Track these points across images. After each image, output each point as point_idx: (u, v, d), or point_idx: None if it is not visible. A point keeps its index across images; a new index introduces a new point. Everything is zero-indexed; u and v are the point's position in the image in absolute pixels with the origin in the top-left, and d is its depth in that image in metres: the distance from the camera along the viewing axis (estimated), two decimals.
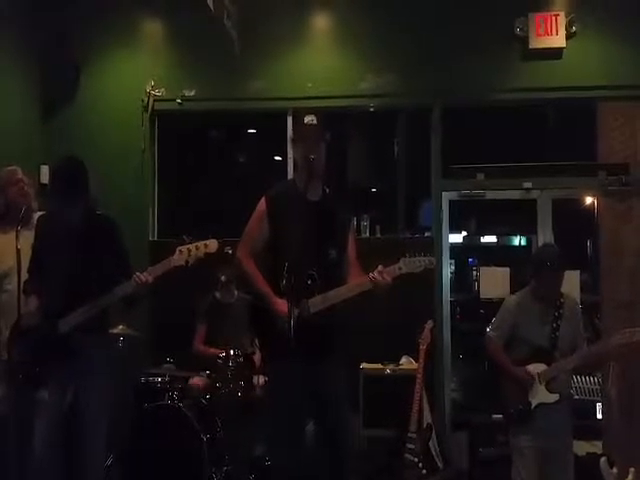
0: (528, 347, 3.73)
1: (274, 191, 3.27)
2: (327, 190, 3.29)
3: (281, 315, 2.99)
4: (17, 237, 3.53)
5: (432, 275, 5.28)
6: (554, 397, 3.65)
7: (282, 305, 3.02)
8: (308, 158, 3.10)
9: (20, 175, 3.95)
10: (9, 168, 4.02)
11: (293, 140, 3.33)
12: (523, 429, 3.68)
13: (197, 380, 4.60)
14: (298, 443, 3.18)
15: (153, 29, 5.69)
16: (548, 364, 3.67)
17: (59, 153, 3.85)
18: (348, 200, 3.44)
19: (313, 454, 3.24)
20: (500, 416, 3.93)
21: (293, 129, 3.38)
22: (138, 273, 3.25)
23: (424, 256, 3.11)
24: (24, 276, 3.40)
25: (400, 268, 3.09)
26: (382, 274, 3.06)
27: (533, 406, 3.66)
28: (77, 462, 3.27)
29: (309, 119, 3.20)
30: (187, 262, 3.22)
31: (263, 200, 3.23)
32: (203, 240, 3.27)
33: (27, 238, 3.50)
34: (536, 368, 3.68)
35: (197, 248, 3.23)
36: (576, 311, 3.83)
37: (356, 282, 3.14)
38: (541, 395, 3.66)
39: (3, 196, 3.91)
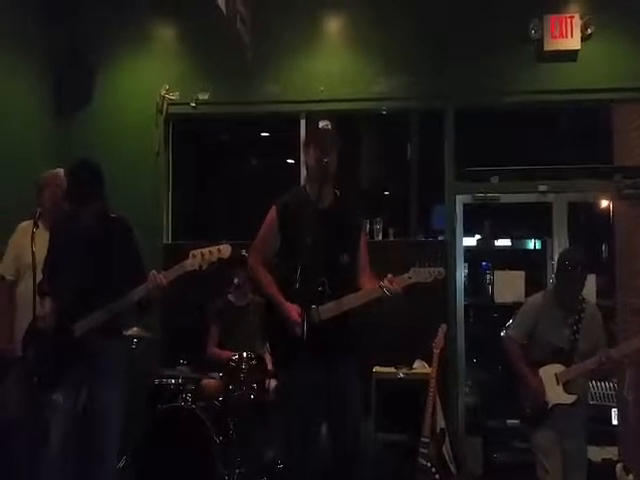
0: (547, 348, 3.72)
1: (284, 199, 3.29)
2: (338, 195, 3.29)
3: (292, 321, 3.04)
4: (32, 239, 3.58)
5: (446, 279, 5.25)
6: (572, 398, 3.64)
7: (293, 311, 3.06)
8: (321, 163, 3.11)
9: (59, 179, 3.99)
10: (52, 171, 4.07)
11: (306, 145, 3.28)
12: (543, 427, 3.67)
13: (210, 385, 4.59)
14: (310, 448, 3.18)
15: (167, 33, 5.72)
16: (567, 366, 3.66)
17: (74, 156, 3.88)
18: (360, 205, 3.44)
19: (326, 457, 3.25)
20: (515, 421, 3.90)
21: (306, 134, 3.38)
22: (154, 271, 3.25)
23: (434, 266, 3.14)
24: (39, 277, 3.44)
25: (410, 277, 3.12)
26: (392, 283, 3.07)
27: (550, 406, 3.64)
28: (91, 463, 3.28)
29: (323, 124, 3.23)
30: (201, 267, 3.23)
31: (273, 208, 3.27)
32: (217, 245, 3.27)
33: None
34: (554, 369, 3.67)
35: (210, 253, 3.24)
36: (597, 316, 3.82)
37: (366, 291, 3.16)
38: (559, 396, 3.64)
39: (41, 196, 3.98)
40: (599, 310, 3.89)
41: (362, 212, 3.43)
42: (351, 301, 3.12)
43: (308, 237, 2.96)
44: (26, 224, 3.91)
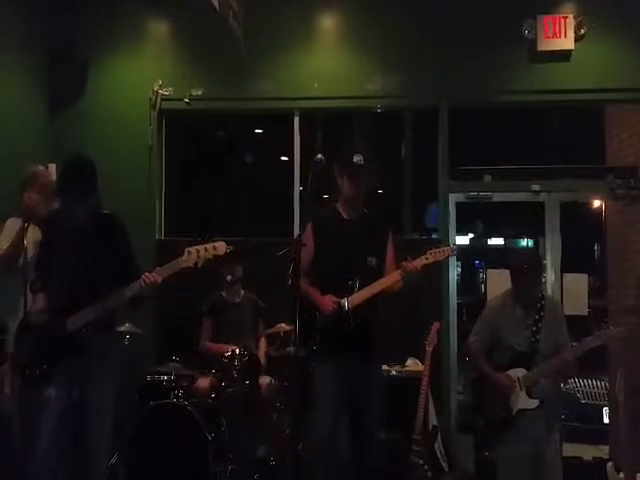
0: (509, 352, 3.68)
1: (318, 215, 3.75)
2: (366, 212, 3.72)
3: (325, 308, 3.48)
4: (24, 236, 3.56)
5: (439, 277, 5.27)
6: (534, 403, 3.59)
7: (327, 300, 3.48)
8: (353, 194, 3.59)
9: (46, 178, 3.96)
10: (39, 169, 4.04)
11: (340, 174, 3.64)
12: (506, 436, 3.63)
13: (203, 382, 4.58)
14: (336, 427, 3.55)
15: (161, 29, 5.70)
16: (528, 369, 3.61)
17: (66, 152, 3.85)
18: (385, 219, 3.93)
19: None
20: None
21: (342, 164, 3.64)
22: (147, 273, 3.24)
23: (445, 246, 3.63)
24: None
25: (427, 258, 3.51)
26: (411, 263, 3.46)
27: (514, 412, 3.60)
28: (82, 459, 3.27)
29: (357, 159, 3.53)
30: (196, 264, 3.22)
31: (309, 224, 3.70)
32: (212, 242, 3.26)
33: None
34: (516, 373, 3.63)
35: (206, 250, 3.22)
36: (558, 313, 3.77)
37: (387, 276, 3.55)
38: (522, 401, 3.60)
39: (28, 194, 3.91)
40: (562, 307, 3.86)
41: (387, 224, 3.84)
42: (375, 287, 3.49)
43: (337, 243, 3.55)
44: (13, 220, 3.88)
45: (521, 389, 3.60)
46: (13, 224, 3.84)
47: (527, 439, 3.58)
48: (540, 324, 3.65)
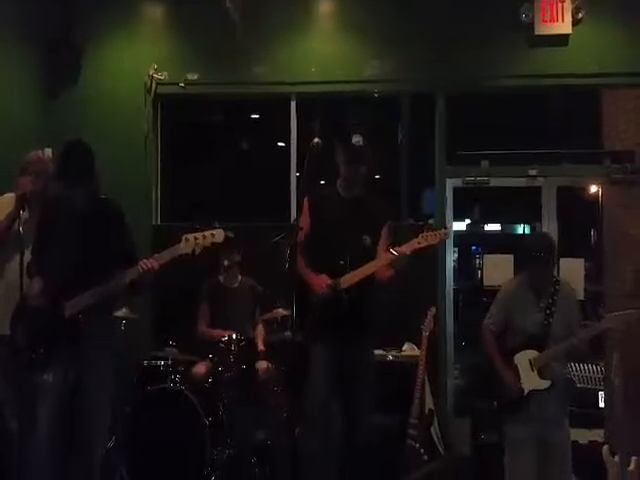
0: (521, 334, 3.72)
1: (317, 192, 3.79)
2: (364, 193, 3.74)
3: (317, 288, 3.53)
4: (19, 220, 3.55)
5: (435, 262, 5.28)
6: (546, 383, 3.64)
7: (319, 280, 3.54)
8: (350, 176, 3.62)
9: (42, 163, 3.94)
10: (35, 153, 4.03)
11: (338, 155, 3.67)
12: (517, 417, 3.67)
13: (200, 367, 4.59)
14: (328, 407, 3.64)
15: (156, 12, 5.63)
16: (540, 351, 3.66)
17: (62, 137, 3.82)
18: (383, 203, 3.90)
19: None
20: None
21: (338, 147, 3.66)
22: (144, 260, 3.23)
23: (440, 229, 3.61)
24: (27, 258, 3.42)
25: (419, 242, 3.49)
26: (401, 248, 3.47)
27: (526, 393, 3.65)
28: (79, 444, 3.28)
29: (356, 140, 3.55)
30: (194, 251, 3.22)
31: (306, 200, 3.75)
32: (210, 229, 3.25)
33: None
34: (529, 355, 3.67)
35: (204, 237, 3.22)
36: (571, 298, 3.80)
37: (378, 258, 3.56)
38: (533, 382, 3.64)
39: (23, 179, 3.89)
40: (575, 291, 3.88)
41: (386, 208, 3.88)
42: (365, 268, 3.50)
43: (334, 222, 3.56)
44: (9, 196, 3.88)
45: (533, 370, 3.65)
46: (4, 199, 3.84)
47: (538, 419, 3.63)
48: (554, 308, 3.69)
